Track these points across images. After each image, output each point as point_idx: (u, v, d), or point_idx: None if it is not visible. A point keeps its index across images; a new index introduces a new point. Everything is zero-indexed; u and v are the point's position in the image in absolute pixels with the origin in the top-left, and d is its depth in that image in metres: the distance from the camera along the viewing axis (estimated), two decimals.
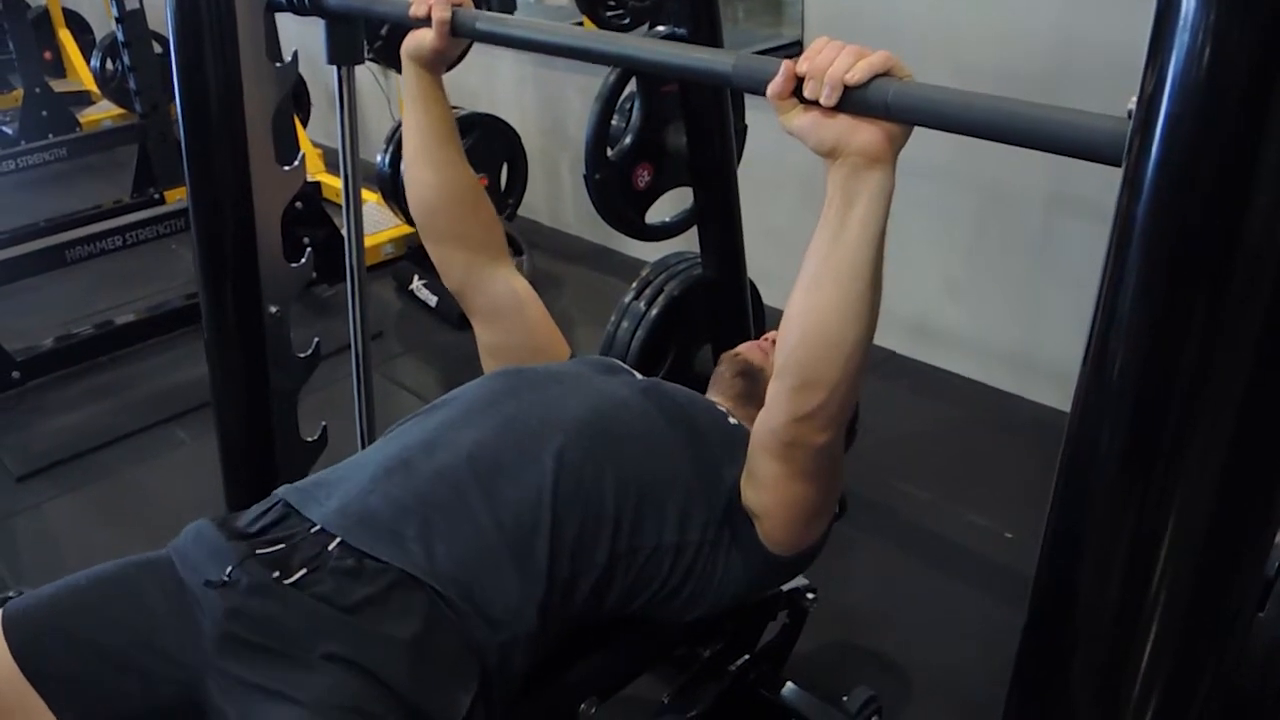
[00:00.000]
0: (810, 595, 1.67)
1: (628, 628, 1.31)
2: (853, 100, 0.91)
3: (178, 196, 4.08)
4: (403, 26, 1.40)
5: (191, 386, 2.88)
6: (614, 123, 2.02)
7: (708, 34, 1.81)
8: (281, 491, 1.19)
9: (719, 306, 2.14)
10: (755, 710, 1.68)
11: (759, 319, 2.23)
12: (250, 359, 1.68)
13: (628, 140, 2.01)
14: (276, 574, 1.06)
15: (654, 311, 2.16)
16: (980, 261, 2.57)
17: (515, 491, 1.12)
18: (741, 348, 1.50)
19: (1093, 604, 0.75)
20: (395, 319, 3.26)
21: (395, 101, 3.58)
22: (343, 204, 1.77)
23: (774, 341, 1.45)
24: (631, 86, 2.01)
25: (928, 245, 2.58)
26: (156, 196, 4.14)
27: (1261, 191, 0.59)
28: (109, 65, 5.05)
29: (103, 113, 5.35)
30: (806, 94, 0.92)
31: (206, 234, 1.62)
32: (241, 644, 1.03)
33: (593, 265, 3.51)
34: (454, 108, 3.37)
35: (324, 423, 1.78)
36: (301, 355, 1.72)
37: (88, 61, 5.56)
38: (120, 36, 3.96)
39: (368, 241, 2.83)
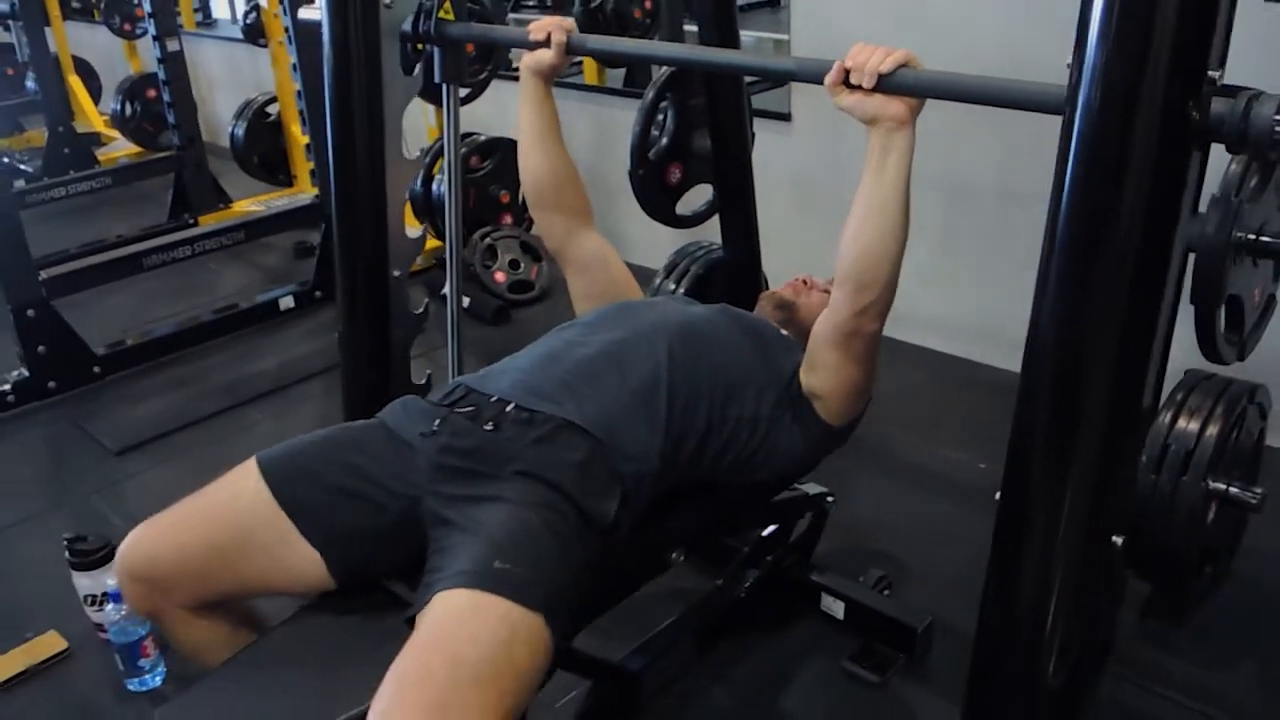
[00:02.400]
0: (830, 499, 2.09)
1: (708, 500, 1.71)
2: (884, 84, 1.36)
3: (211, 221, 4.45)
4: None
5: (259, 377, 3.26)
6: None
7: (730, 39, 2.22)
8: (460, 379, 1.59)
9: (737, 281, 2.57)
10: (789, 588, 2.08)
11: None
12: (375, 313, 2.08)
13: (663, 142, 2.44)
14: (473, 422, 1.46)
15: (681, 288, 2.58)
16: (947, 251, 3.02)
17: (640, 371, 1.53)
18: (777, 289, 1.93)
19: (1040, 484, 1.20)
20: (432, 318, 3.64)
21: (426, 131, 3.99)
22: (446, 193, 2.18)
23: (804, 281, 1.90)
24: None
25: None
26: (191, 221, 4.51)
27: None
28: (129, 106, 5.40)
29: (119, 151, 5.66)
30: (852, 81, 1.37)
31: (347, 211, 2.02)
32: (452, 470, 1.42)
33: None
34: (474, 133, 3.83)
35: (429, 371, 2.18)
36: (415, 312, 2.13)
37: (96, 105, 5.94)
38: (162, 75, 4.34)
39: None
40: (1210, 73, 1.01)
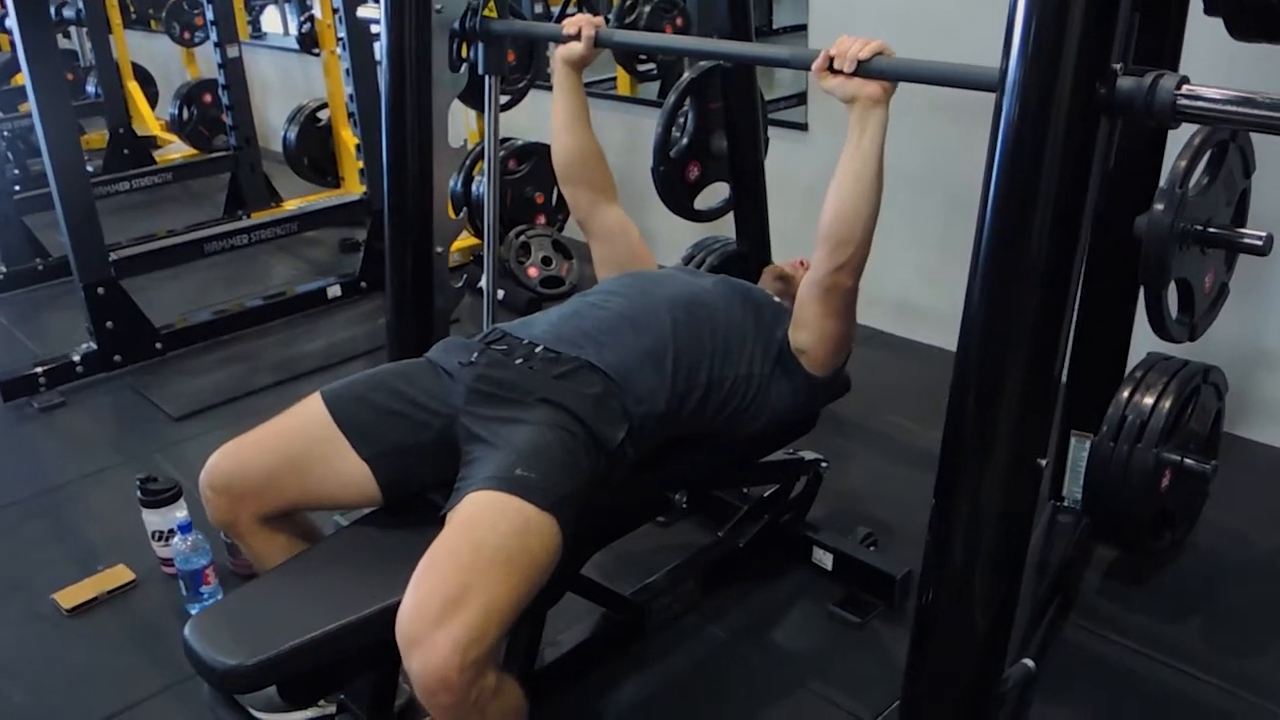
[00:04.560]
0: (824, 464, 2.30)
1: (708, 448, 1.93)
2: (863, 69, 1.60)
3: (262, 217, 4.72)
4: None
5: (308, 356, 3.53)
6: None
7: (744, 35, 2.45)
8: (497, 324, 1.84)
9: (748, 274, 2.79)
10: (785, 542, 2.29)
11: None
12: (420, 284, 2.32)
13: (684, 142, 2.68)
14: (506, 357, 1.70)
15: None
16: (948, 251, 3.22)
17: (650, 334, 1.76)
18: (777, 263, 2.16)
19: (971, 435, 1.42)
20: (468, 310, 3.90)
21: (466, 132, 4.24)
22: (486, 179, 2.43)
23: (801, 262, 2.13)
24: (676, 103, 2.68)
25: (905, 239, 3.23)
26: (245, 218, 4.79)
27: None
28: (186, 111, 5.70)
29: (175, 154, 5.96)
30: (835, 66, 1.61)
31: (398, 194, 2.27)
32: (486, 395, 1.66)
33: None
34: (510, 139, 4.08)
35: None
36: (455, 285, 2.37)
37: (152, 110, 6.27)
38: (221, 80, 4.64)
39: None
40: (1114, 65, 1.23)
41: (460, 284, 2.40)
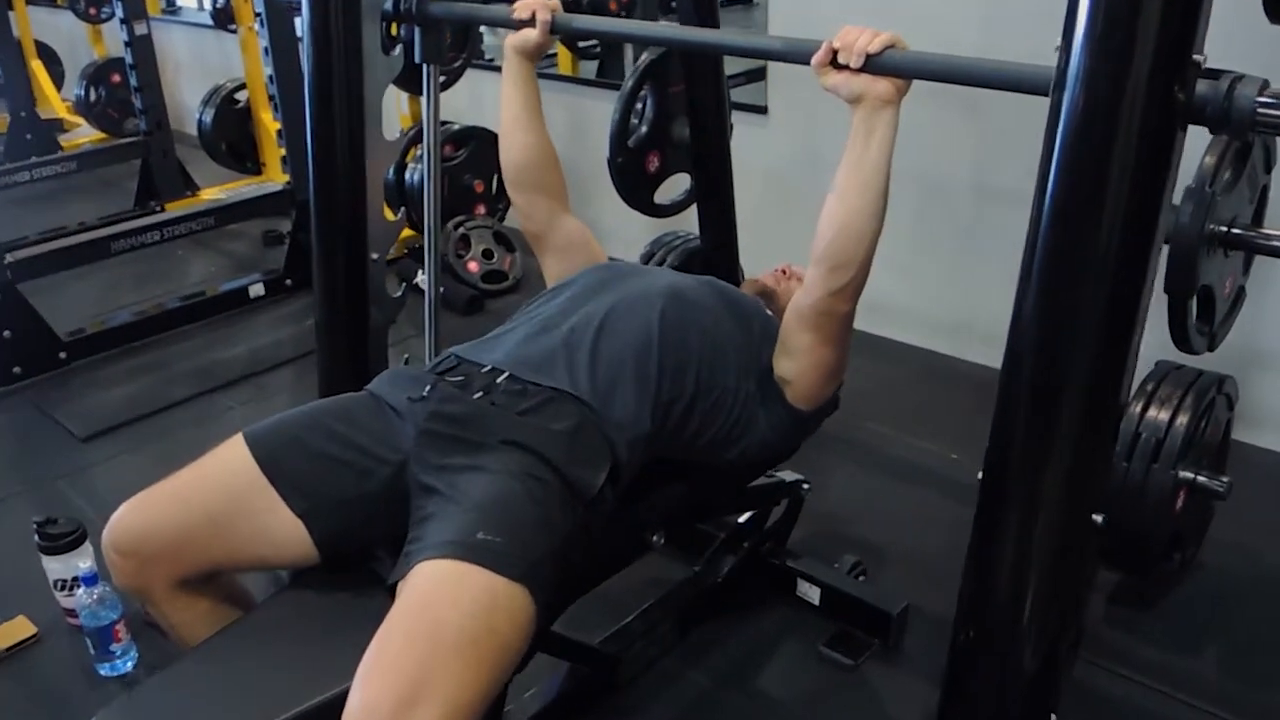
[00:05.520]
0: (805, 485, 2.11)
1: (686, 483, 1.72)
2: (872, 64, 1.37)
3: (177, 208, 4.40)
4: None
5: (229, 363, 3.23)
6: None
7: (708, 15, 2.21)
8: (451, 349, 1.59)
9: (714, 271, 2.57)
10: (766, 574, 2.09)
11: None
12: (354, 296, 2.07)
13: (642, 130, 2.44)
14: (462, 391, 1.46)
15: None
16: (921, 246, 3.05)
17: (632, 337, 1.53)
18: (759, 275, 1.94)
19: (1020, 463, 1.22)
20: (405, 309, 3.63)
21: (399, 119, 3.96)
22: (425, 176, 2.17)
23: (784, 271, 1.92)
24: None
25: None
26: (158, 209, 4.45)
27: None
28: (94, 92, 5.32)
29: (82, 138, 5.59)
30: (840, 60, 1.38)
31: (325, 193, 2.01)
32: (439, 436, 1.42)
33: None
34: (448, 122, 3.81)
35: (406, 355, 2.17)
36: (394, 296, 2.12)
37: (58, 91, 5.86)
38: (129, 59, 4.29)
39: None
40: (1195, 56, 1.03)
41: (400, 293, 2.15)
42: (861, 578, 2.09)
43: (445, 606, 1.20)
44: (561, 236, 1.88)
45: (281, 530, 1.42)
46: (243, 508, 1.42)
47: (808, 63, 1.43)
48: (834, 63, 1.39)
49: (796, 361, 1.60)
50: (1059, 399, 1.17)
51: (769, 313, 1.75)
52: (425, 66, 2.07)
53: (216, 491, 1.43)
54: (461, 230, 3.70)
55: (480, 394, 1.46)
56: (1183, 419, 1.87)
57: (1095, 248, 1.09)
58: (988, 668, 1.33)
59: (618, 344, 1.52)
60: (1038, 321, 1.16)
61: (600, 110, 3.78)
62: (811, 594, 2.03)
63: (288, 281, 3.73)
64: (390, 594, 1.28)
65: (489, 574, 1.23)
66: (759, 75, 3.33)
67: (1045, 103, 1.11)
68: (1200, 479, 1.88)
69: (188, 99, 5.36)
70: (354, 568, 1.47)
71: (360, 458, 1.44)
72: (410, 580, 1.24)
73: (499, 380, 1.48)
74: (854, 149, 1.43)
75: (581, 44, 4.10)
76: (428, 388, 1.48)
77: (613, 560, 1.68)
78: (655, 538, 1.73)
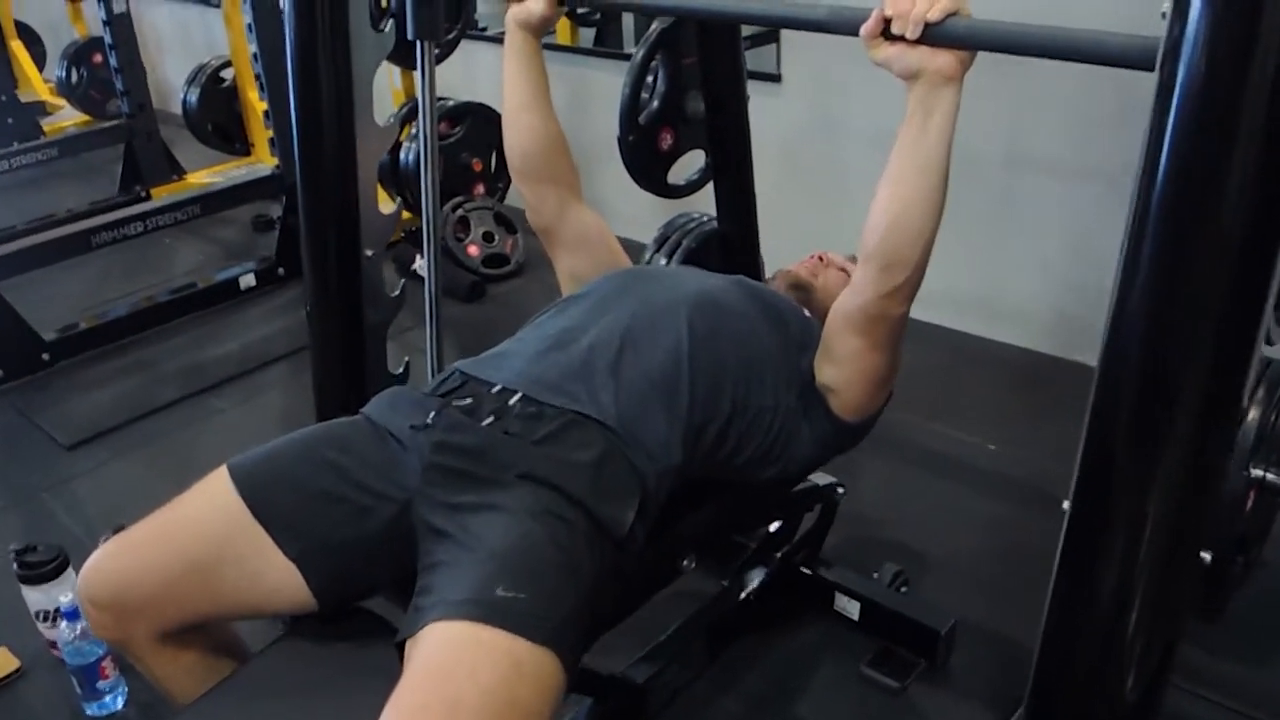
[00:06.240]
0: (840, 489, 1.95)
1: (718, 503, 1.56)
2: (931, 34, 1.19)
3: (164, 193, 4.22)
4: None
5: (220, 361, 3.07)
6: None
7: None
8: (456, 365, 1.42)
9: (732, 255, 2.41)
10: (800, 587, 1.94)
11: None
12: (347, 296, 1.90)
13: (654, 105, 2.27)
14: (471, 417, 1.30)
15: (674, 264, 2.42)
16: (947, 217, 2.87)
17: (659, 353, 1.37)
18: (792, 266, 1.76)
19: (1121, 493, 1.06)
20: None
21: (391, 95, 3.78)
22: (422, 162, 2.00)
23: (819, 258, 1.75)
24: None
25: None
26: (143, 194, 4.27)
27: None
28: (75, 73, 5.13)
29: (66, 121, 5.40)
30: (894, 31, 1.20)
31: (313, 186, 1.84)
32: (447, 471, 1.26)
33: None
34: (444, 98, 3.62)
35: (407, 359, 2.00)
36: (392, 295, 1.95)
37: (40, 72, 5.66)
38: (108, 39, 4.09)
39: None
40: None
41: (398, 292, 1.98)
42: (904, 589, 1.94)
43: (463, 679, 1.04)
44: (574, 230, 1.71)
45: (274, 576, 1.27)
46: (229, 553, 1.26)
47: (855, 33, 1.25)
48: (886, 33, 1.21)
49: (842, 369, 1.44)
50: (1171, 409, 1.00)
51: (806, 313, 1.59)
52: (420, 43, 1.89)
53: (200, 536, 1.28)
54: (460, 212, 3.53)
55: (491, 419, 1.30)
56: (1255, 414, 1.71)
57: (1218, 236, 0.93)
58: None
59: (644, 361, 1.36)
60: (1146, 319, 0.99)
61: (600, 81, 3.60)
62: (851, 608, 1.88)
63: (280, 270, 3.55)
64: (398, 650, 1.13)
65: (511, 638, 1.07)
66: (768, 38, 3.12)
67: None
68: (1270, 477, 1.73)
69: (173, 78, 5.16)
70: (355, 612, 1.32)
71: (360, 494, 1.28)
72: (422, 644, 1.09)
73: (511, 402, 1.32)
74: (909, 131, 1.26)
75: (580, 10, 3.90)
76: (432, 413, 1.31)
77: (642, 592, 1.52)
78: (686, 562, 1.58)
